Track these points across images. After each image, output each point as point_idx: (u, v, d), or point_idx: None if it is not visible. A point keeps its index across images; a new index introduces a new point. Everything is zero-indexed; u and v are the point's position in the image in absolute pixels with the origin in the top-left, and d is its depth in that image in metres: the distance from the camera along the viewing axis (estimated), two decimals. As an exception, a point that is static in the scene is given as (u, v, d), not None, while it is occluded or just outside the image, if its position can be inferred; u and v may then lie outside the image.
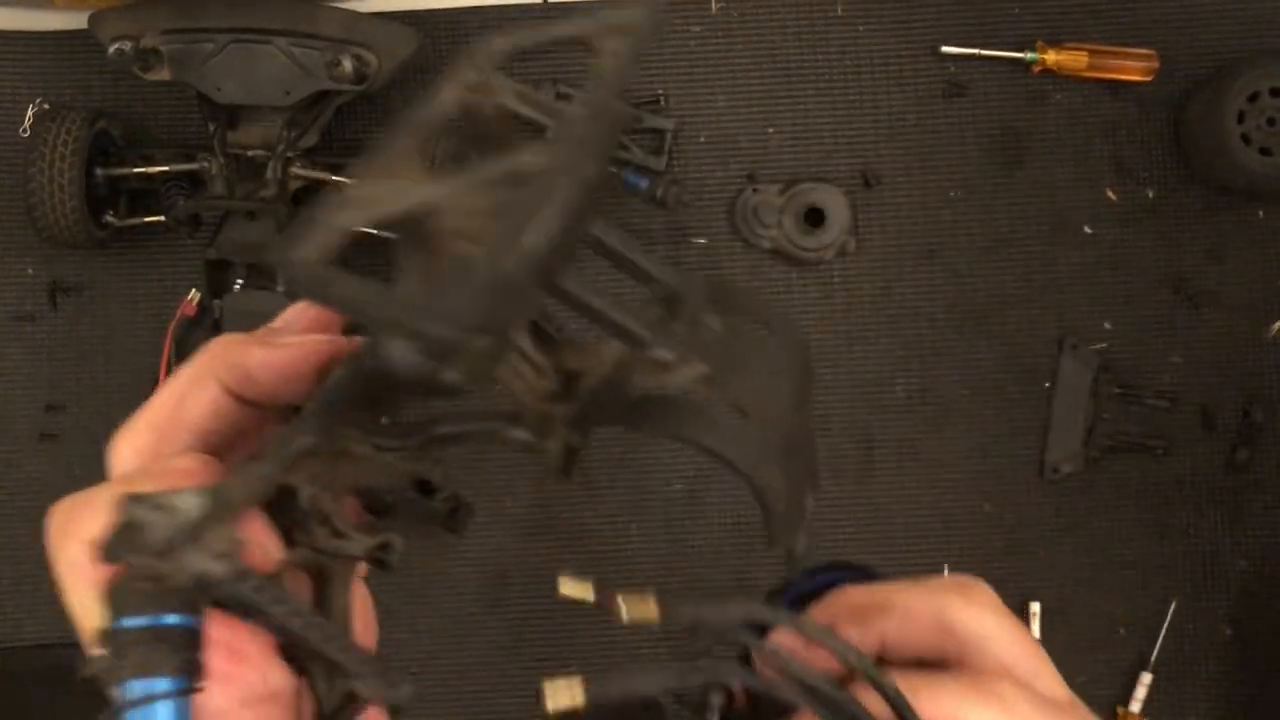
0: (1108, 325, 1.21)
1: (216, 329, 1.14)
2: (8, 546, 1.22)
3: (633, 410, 0.30)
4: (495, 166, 0.27)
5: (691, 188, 1.21)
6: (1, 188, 1.22)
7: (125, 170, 1.14)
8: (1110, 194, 1.22)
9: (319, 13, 1.11)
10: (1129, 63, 1.19)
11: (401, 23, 1.12)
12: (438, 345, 0.22)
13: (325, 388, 0.30)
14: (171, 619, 0.26)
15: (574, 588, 0.31)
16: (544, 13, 1.22)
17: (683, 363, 0.29)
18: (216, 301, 1.13)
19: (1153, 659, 1.20)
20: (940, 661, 0.35)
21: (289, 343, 0.32)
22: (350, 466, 0.30)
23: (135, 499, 0.25)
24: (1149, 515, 1.21)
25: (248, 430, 0.33)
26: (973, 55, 1.21)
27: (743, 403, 0.29)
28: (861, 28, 1.22)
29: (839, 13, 1.22)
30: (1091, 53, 1.19)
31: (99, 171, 1.13)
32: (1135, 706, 1.19)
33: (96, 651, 0.27)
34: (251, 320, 1.17)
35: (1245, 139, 1.14)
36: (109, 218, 1.16)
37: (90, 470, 1.21)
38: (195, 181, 1.15)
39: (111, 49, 1.08)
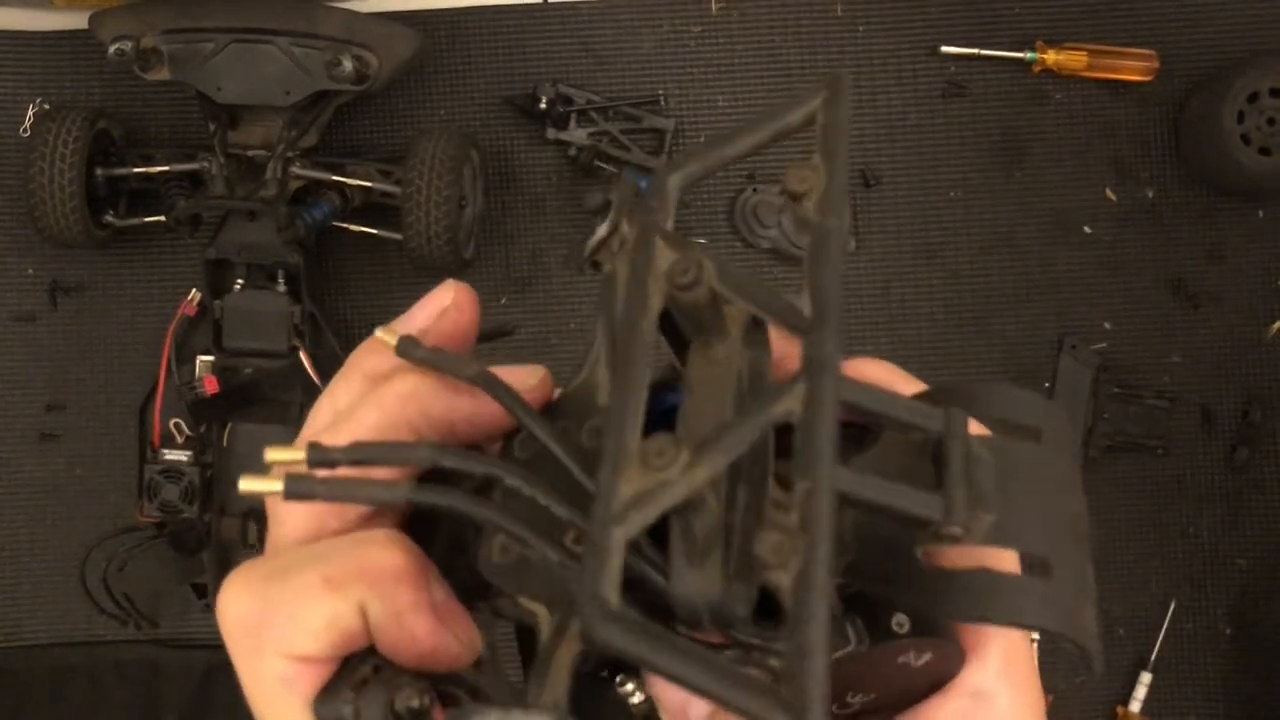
0: (1108, 325, 1.22)
1: (217, 329, 1.14)
2: (8, 546, 1.22)
3: (915, 586, 0.25)
4: (751, 424, 0.23)
5: (691, 188, 1.21)
6: (2, 188, 1.22)
7: (125, 170, 1.14)
8: (1110, 194, 1.22)
9: (319, 13, 1.11)
10: (1129, 63, 1.19)
11: (401, 23, 1.12)
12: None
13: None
14: None
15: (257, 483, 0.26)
16: (543, 14, 1.22)
17: (972, 523, 0.24)
18: (217, 301, 1.13)
19: (1152, 659, 1.20)
20: None
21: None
22: None
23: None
24: (1149, 515, 1.21)
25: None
26: (973, 55, 1.21)
27: (1037, 545, 0.25)
28: (861, 28, 1.22)
29: (839, 13, 1.22)
30: (1091, 53, 1.19)
31: (99, 171, 1.13)
32: (1135, 706, 1.19)
33: None
34: (252, 320, 1.17)
35: (1245, 139, 1.14)
36: (109, 218, 1.16)
37: (90, 470, 1.21)
38: (195, 181, 1.14)
39: (112, 49, 1.07)
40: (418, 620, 0.26)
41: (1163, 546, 1.21)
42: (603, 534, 0.22)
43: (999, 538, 0.25)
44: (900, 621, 0.27)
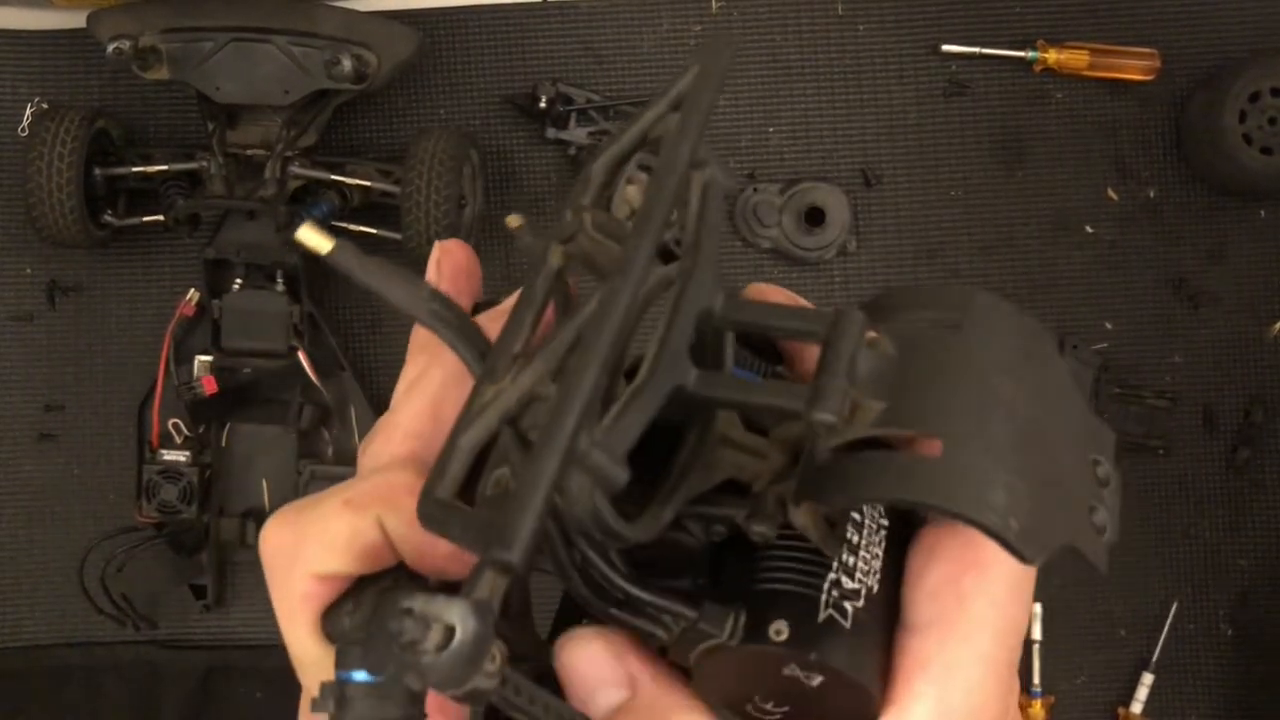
0: (1108, 325, 1.21)
1: (216, 329, 1.14)
2: (6, 546, 1.22)
3: (825, 481, 0.25)
4: (567, 330, 0.25)
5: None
6: (1, 188, 1.22)
7: (124, 170, 1.14)
8: (1111, 194, 1.22)
9: (319, 12, 1.10)
10: (1130, 62, 1.19)
11: (401, 22, 1.12)
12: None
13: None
14: None
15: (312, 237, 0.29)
16: (543, 13, 1.22)
17: (853, 411, 0.24)
18: (216, 301, 1.13)
19: (1154, 659, 1.19)
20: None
21: None
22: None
23: (392, 607, 0.24)
24: (1149, 515, 1.21)
25: None
26: (973, 54, 1.20)
27: (930, 424, 0.24)
28: (861, 27, 1.22)
29: (839, 12, 1.22)
30: (1092, 52, 1.19)
31: (98, 171, 1.13)
32: (1136, 707, 1.19)
33: (317, 696, 0.27)
34: (250, 320, 1.17)
35: (1246, 139, 1.14)
36: (108, 217, 1.15)
37: (89, 470, 1.21)
38: (194, 181, 1.14)
39: (110, 48, 1.07)
40: None
41: (1164, 547, 1.21)
42: (451, 441, 0.25)
43: (889, 422, 0.25)
44: (779, 629, 0.27)
